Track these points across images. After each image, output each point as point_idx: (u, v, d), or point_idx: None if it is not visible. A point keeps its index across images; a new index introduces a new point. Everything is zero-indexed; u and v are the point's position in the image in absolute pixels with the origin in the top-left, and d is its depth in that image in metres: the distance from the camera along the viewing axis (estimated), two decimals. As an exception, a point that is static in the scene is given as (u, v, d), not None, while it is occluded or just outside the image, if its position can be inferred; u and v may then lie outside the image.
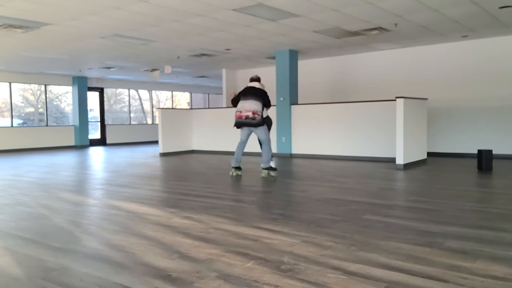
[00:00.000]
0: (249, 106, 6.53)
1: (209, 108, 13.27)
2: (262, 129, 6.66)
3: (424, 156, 8.37)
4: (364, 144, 9.07)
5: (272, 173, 6.82)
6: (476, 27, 8.05)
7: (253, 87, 6.71)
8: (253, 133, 6.90)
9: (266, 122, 6.88)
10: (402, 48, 10.11)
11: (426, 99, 8.49)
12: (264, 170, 6.81)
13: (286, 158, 9.95)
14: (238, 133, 11.03)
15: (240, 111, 6.61)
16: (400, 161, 7.46)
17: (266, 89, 6.92)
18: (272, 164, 6.90)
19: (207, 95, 20.47)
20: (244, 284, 2.33)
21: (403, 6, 6.55)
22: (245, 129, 6.79)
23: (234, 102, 6.89)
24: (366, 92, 10.65)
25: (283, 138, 10.22)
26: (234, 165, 6.98)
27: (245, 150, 10.76)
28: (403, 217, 3.94)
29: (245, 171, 7.57)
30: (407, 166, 7.53)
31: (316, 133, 9.81)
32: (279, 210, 4.35)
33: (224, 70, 13.42)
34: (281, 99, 10.24)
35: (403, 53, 10.20)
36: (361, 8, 6.62)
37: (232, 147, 11.12)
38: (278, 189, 5.87)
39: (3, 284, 2.41)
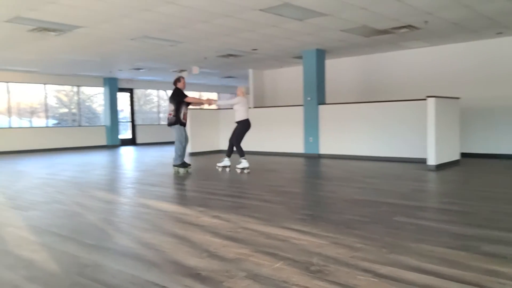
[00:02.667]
0: (169, 108, 7.41)
1: (236, 108, 13.30)
2: (174, 128, 7.27)
3: (457, 157, 8.14)
4: (393, 144, 8.91)
5: (181, 170, 7.34)
6: (511, 24, 7.77)
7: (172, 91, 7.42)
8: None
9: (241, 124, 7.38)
10: (433, 46, 9.87)
11: (459, 98, 8.26)
12: (174, 167, 7.41)
13: (314, 158, 9.89)
14: (266, 133, 11.05)
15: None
16: (431, 161, 7.28)
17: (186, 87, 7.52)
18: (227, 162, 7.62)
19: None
20: (273, 285, 2.34)
21: (433, 3, 6.39)
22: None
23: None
24: (395, 91, 10.45)
25: (311, 138, 10.15)
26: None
27: (266, 150, 10.77)
28: (436, 219, 3.85)
29: (272, 171, 7.58)
30: (439, 167, 7.34)
31: (344, 133, 9.70)
32: (307, 210, 4.33)
33: (250, 71, 13.44)
34: (308, 98, 10.18)
35: (434, 51, 9.95)
36: (390, 6, 6.50)
37: (259, 147, 11.14)
38: (306, 189, 5.85)
39: (42, 279, 2.50)
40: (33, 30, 7.53)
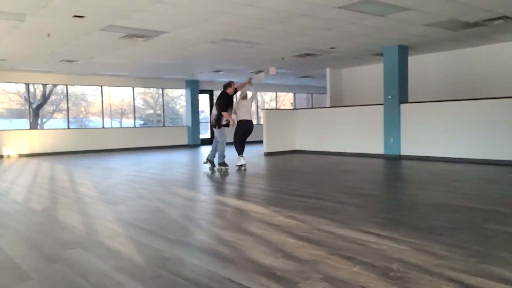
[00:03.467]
0: (213, 111, 7.81)
1: (312, 108, 13.21)
2: (217, 130, 7.69)
3: (560, 160, 7.30)
4: (485, 146, 8.22)
5: (224, 168, 7.58)
6: None
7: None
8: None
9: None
10: (533, 37, 8.95)
11: None
12: (219, 166, 7.68)
13: (394, 159, 9.47)
14: (344, 133, 10.81)
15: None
16: (529, 165, 6.61)
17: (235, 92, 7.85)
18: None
19: (310, 95, 20.42)
20: (350, 289, 2.26)
21: (534, -10, 5.80)
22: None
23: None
24: (486, 88, 9.63)
25: (391, 138, 9.73)
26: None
27: (343, 151, 10.57)
28: (534, 228, 3.47)
29: (349, 172, 7.39)
30: (538, 171, 6.64)
31: (428, 133, 9.15)
32: (386, 214, 4.14)
33: (328, 70, 13.23)
34: (389, 97, 9.77)
35: (534, 42, 9.02)
36: (482, -4, 6.01)
37: (336, 147, 10.93)
38: (385, 192, 5.62)
39: (127, 269, 2.67)
40: (123, 37, 8.11)
